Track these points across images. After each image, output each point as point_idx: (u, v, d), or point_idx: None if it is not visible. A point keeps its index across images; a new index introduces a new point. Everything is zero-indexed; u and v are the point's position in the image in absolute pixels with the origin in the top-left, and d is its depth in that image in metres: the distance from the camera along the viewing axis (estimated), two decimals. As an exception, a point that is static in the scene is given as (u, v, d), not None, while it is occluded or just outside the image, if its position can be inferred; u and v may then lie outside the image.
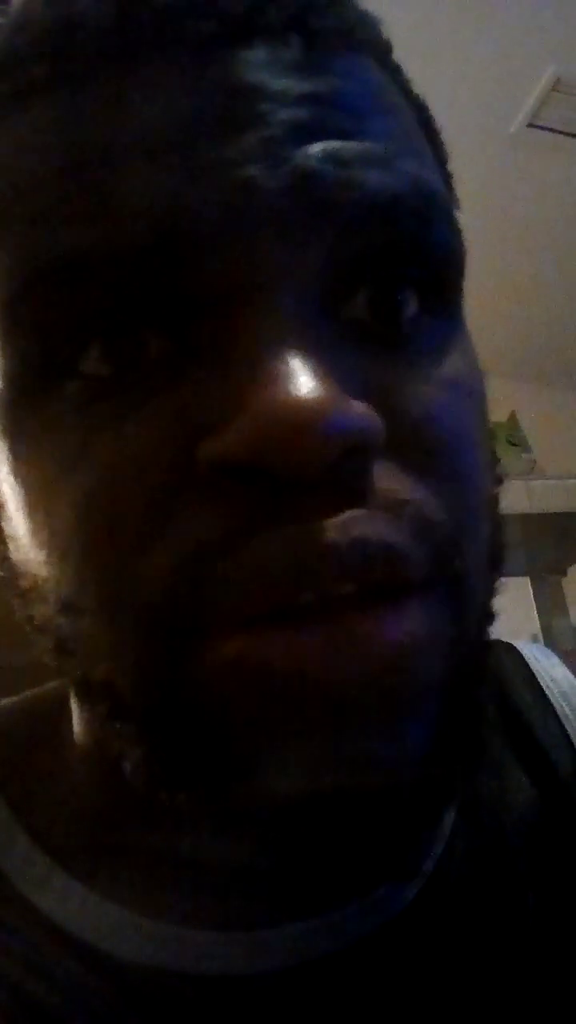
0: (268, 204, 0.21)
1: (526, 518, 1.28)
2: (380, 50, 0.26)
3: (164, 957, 0.27)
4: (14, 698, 0.35)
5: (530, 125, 1.73)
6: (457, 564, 0.22)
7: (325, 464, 0.19)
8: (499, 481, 0.27)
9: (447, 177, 0.28)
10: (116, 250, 0.20)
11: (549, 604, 1.53)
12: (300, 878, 0.27)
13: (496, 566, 0.25)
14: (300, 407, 0.19)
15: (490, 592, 0.25)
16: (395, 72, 0.26)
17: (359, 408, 0.20)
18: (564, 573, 1.58)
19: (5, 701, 0.35)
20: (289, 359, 0.20)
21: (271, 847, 0.22)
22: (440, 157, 0.28)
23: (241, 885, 0.28)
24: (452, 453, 0.23)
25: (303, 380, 0.19)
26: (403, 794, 0.21)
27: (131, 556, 0.21)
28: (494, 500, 0.26)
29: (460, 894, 0.30)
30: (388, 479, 0.21)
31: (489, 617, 0.25)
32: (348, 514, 0.20)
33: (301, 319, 0.21)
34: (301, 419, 0.19)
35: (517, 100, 1.67)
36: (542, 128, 1.74)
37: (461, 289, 0.25)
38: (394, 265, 0.23)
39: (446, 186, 0.27)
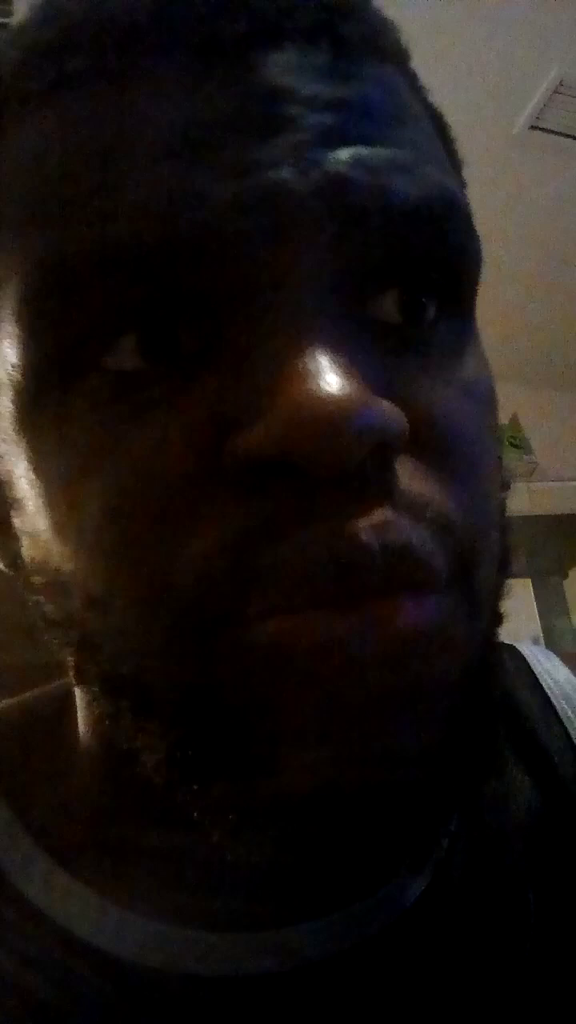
0: (299, 206, 0.21)
1: (527, 520, 1.28)
2: (401, 58, 0.26)
3: (165, 958, 0.27)
4: (14, 698, 0.35)
5: (533, 127, 1.73)
6: (472, 566, 0.23)
7: (354, 460, 0.19)
8: (506, 486, 0.27)
9: (462, 183, 0.28)
10: (147, 246, 0.21)
11: (550, 606, 1.53)
12: (304, 878, 0.27)
13: (504, 569, 0.26)
14: (330, 403, 0.19)
15: (499, 595, 0.25)
16: (413, 80, 0.27)
17: (386, 406, 0.20)
18: (565, 575, 1.58)
19: (6, 701, 0.35)
20: (317, 356, 0.20)
21: (277, 846, 0.22)
22: (455, 164, 0.28)
23: (244, 886, 0.28)
24: (468, 456, 0.23)
25: (332, 376, 0.19)
26: (420, 788, 0.21)
27: (162, 550, 0.21)
28: (502, 505, 0.26)
29: (462, 894, 0.30)
30: (409, 477, 0.21)
31: (498, 619, 0.25)
32: (378, 514, 0.20)
33: (328, 318, 0.21)
34: (331, 415, 0.19)
35: (521, 102, 1.67)
36: (545, 130, 1.74)
37: (476, 292, 0.26)
38: (417, 269, 0.23)
39: (461, 190, 0.27)
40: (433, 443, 0.22)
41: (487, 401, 0.25)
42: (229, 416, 0.21)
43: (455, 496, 0.22)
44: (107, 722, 0.25)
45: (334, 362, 0.20)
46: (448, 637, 0.21)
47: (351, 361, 0.20)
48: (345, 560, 0.20)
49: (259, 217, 0.21)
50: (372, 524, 0.20)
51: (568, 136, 1.78)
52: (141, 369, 0.22)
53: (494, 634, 0.25)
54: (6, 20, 1.26)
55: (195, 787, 0.22)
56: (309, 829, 0.22)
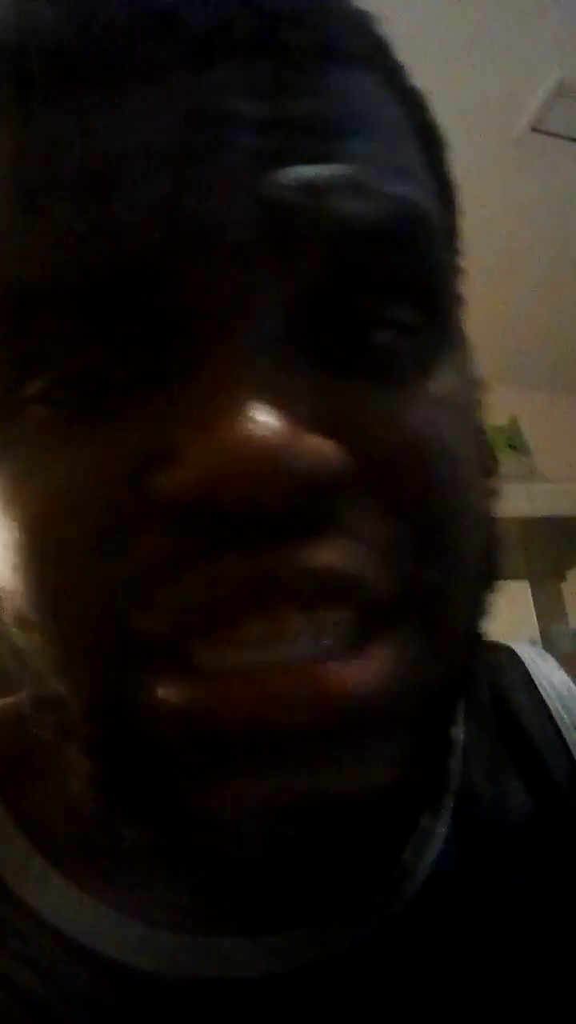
0: (230, 236, 0.20)
1: (526, 522, 1.28)
2: (371, 53, 0.24)
3: (159, 961, 0.27)
4: (10, 698, 0.35)
5: (534, 130, 1.73)
6: (429, 592, 0.22)
7: (279, 502, 0.19)
8: (492, 493, 0.26)
9: (444, 182, 0.27)
10: (73, 282, 0.20)
11: (548, 608, 1.53)
12: (295, 884, 0.27)
13: (488, 582, 0.25)
14: (254, 445, 0.18)
15: (478, 613, 0.25)
16: (389, 72, 0.25)
17: (319, 444, 0.19)
18: (563, 577, 1.58)
19: (3, 700, 0.35)
20: (249, 393, 0.19)
21: (257, 860, 0.22)
22: (436, 160, 0.27)
23: (236, 890, 0.28)
24: (428, 478, 0.22)
25: (258, 415, 0.19)
26: (360, 826, 0.21)
27: (79, 579, 0.21)
28: (485, 515, 0.25)
29: (455, 899, 0.30)
30: (353, 511, 0.21)
31: (475, 638, 0.25)
32: (301, 545, 0.20)
33: (266, 350, 0.20)
34: (254, 458, 0.18)
35: (521, 104, 1.67)
36: (546, 133, 1.74)
37: (451, 303, 0.25)
38: (372, 291, 0.22)
39: (442, 193, 0.26)
40: (386, 471, 0.21)
41: (462, 412, 0.24)
42: (155, 450, 0.20)
43: (411, 522, 0.21)
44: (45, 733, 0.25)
45: (267, 399, 0.19)
46: (398, 681, 0.21)
47: (287, 396, 0.19)
48: (252, 586, 0.19)
49: (189, 249, 0.20)
50: (289, 549, 0.19)
51: (569, 139, 1.78)
52: (68, 399, 0.21)
53: (468, 654, 0.24)
54: None
55: (119, 819, 0.22)
56: (264, 851, 0.22)
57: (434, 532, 0.22)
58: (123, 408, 0.21)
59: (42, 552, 0.21)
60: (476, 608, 0.25)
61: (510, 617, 0.27)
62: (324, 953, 0.28)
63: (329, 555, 0.20)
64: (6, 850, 0.29)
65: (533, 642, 1.46)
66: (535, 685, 0.36)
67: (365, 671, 0.20)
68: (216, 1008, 0.27)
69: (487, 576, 0.25)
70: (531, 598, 1.55)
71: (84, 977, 0.27)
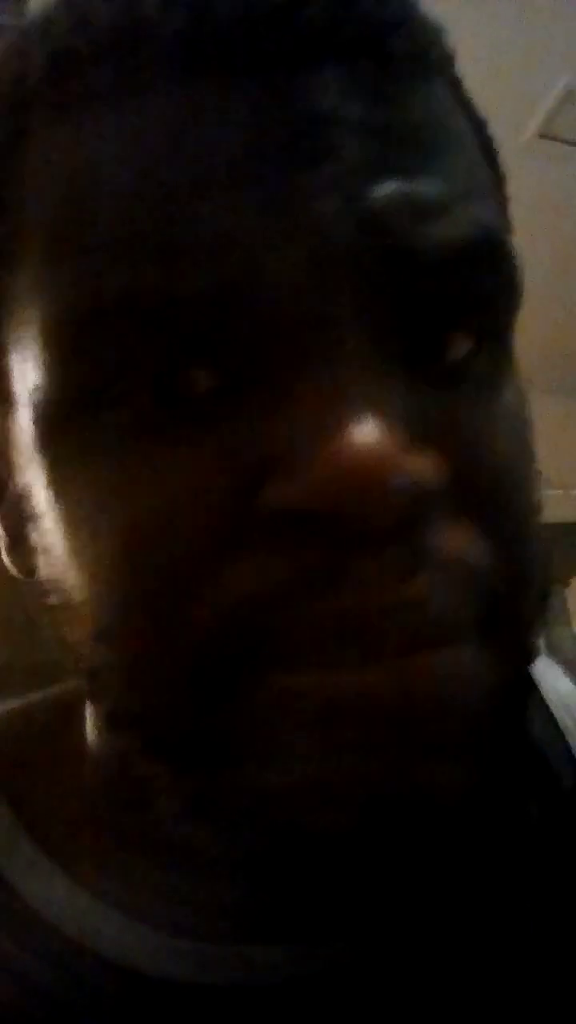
0: (340, 243, 0.20)
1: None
2: (447, 67, 0.25)
3: (166, 966, 0.27)
4: (19, 700, 0.35)
5: (543, 135, 1.73)
6: (506, 615, 0.22)
7: (393, 517, 0.19)
8: (540, 507, 0.26)
9: (504, 201, 0.27)
10: (183, 291, 0.20)
11: (552, 614, 1.53)
12: (308, 895, 0.27)
13: (546, 596, 0.25)
14: (370, 460, 0.19)
15: (537, 631, 0.25)
16: (457, 88, 0.26)
17: (424, 461, 0.20)
18: (567, 583, 1.58)
19: (10, 703, 0.35)
20: (356, 404, 0.19)
21: (284, 871, 0.22)
22: (499, 179, 0.27)
23: (246, 898, 0.28)
24: (507, 496, 0.23)
25: (372, 427, 0.19)
26: (442, 831, 0.22)
27: (182, 596, 0.20)
28: (539, 530, 0.25)
29: (460, 906, 0.30)
30: (444, 528, 0.21)
31: (532, 654, 0.25)
32: (408, 579, 0.20)
33: (367, 362, 0.20)
34: (368, 470, 0.18)
35: (530, 110, 1.67)
36: (555, 138, 1.74)
37: (515, 319, 0.25)
38: (458, 309, 0.22)
39: (502, 210, 0.27)
40: (473, 486, 0.22)
41: (525, 431, 0.25)
42: (260, 463, 0.20)
43: (492, 542, 0.22)
44: (115, 749, 0.25)
45: (374, 412, 0.19)
46: (481, 684, 0.21)
47: (392, 409, 0.20)
48: (367, 626, 0.20)
49: (298, 254, 0.20)
50: (400, 589, 0.20)
51: (577, 145, 1.78)
52: (159, 407, 0.21)
53: (530, 664, 0.25)
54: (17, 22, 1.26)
55: (205, 833, 0.22)
56: (323, 874, 0.22)
57: (512, 548, 0.22)
58: (218, 414, 0.21)
59: (145, 566, 0.21)
60: (539, 622, 0.25)
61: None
62: (328, 960, 0.28)
63: (431, 588, 0.20)
64: (12, 852, 0.29)
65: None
66: (540, 693, 0.36)
67: (454, 666, 0.21)
68: (222, 1015, 0.27)
69: (546, 590, 0.25)
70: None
71: (90, 981, 0.27)
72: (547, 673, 0.37)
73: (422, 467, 0.20)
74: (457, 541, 0.21)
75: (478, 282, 0.22)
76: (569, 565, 1.55)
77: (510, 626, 0.23)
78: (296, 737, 0.20)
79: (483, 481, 0.22)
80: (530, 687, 0.25)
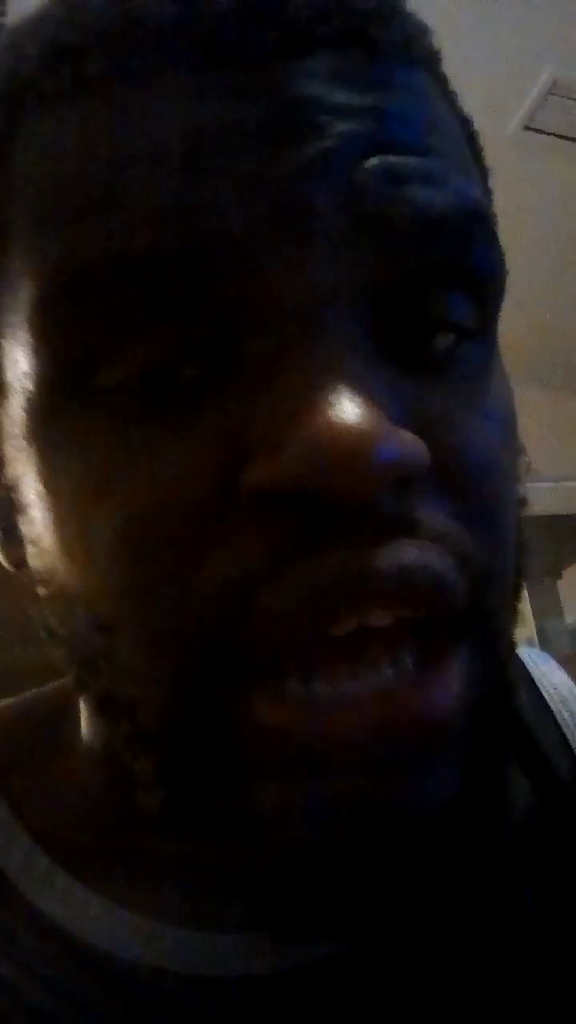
0: (322, 219, 0.20)
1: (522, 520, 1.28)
2: (432, 62, 0.26)
3: (165, 959, 0.27)
4: (15, 698, 0.35)
5: (527, 128, 1.73)
6: (488, 601, 0.22)
7: (375, 493, 0.19)
8: (523, 503, 0.26)
9: (488, 192, 0.28)
10: (161, 255, 0.20)
11: (544, 606, 1.53)
12: (305, 888, 0.27)
13: (519, 590, 0.25)
14: (352, 435, 0.19)
15: (513, 623, 0.25)
16: (443, 84, 0.26)
17: (407, 437, 0.20)
18: (559, 575, 1.58)
19: (6, 701, 0.35)
20: (336, 384, 0.19)
21: (317, 875, 0.23)
22: (483, 171, 0.28)
23: (243, 890, 0.28)
24: (487, 485, 0.23)
25: (351, 407, 0.19)
26: (424, 837, 0.21)
27: (173, 581, 0.21)
28: (519, 522, 0.25)
29: (459, 898, 0.30)
30: (428, 508, 0.21)
31: (512, 648, 0.25)
32: (395, 541, 0.20)
33: (349, 342, 0.20)
34: (354, 447, 0.18)
35: (514, 103, 1.67)
36: (539, 131, 1.74)
37: (499, 308, 0.25)
38: (440, 284, 0.22)
39: (488, 201, 0.27)
40: (453, 472, 0.22)
41: (508, 423, 0.25)
42: (246, 443, 0.20)
43: (473, 527, 0.22)
44: (104, 738, 0.25)
45: (356, 390, 0.19)
46: (467, 695, 0.21)
47: (373, 389, 0.20)
48: (350, 585, 0.19)
49: (279, 228, 0.20)
50: (385, 549, 0.20)
51: (562, 137, 1.78)
52: (145, 392, 0.21)
53: (509, 661, 0.25)
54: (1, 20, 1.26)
55: (185, 831, 0.22)
56: (298, 883, 0.22)
57: (490, 537, 0.22)
58: (204, 399, 0.21)
59: (136, 552, 0.21)
60: (513, 617, 0.25)
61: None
62: (329, 950, 0.28)
63: (419, 552, 0.20)
64: (11, 850, 0.29)
65: (530, 639, 1.47)
66: (536, 686, 0.36)
67: (440, 694, 0.21)
68: (224, 1006, 0.27)
69: (518, 585, 0.25)
70: (528, 596, 1.55)
71: (89, 976, 0.27)
72: (542, 666, 0.37)
73: (403, 443, 0.19)
74: (443, 518, 0.21)
75: (461, 250, 0.22)
76: (562, 557, 1.55)
77: (494, 616, 0.23)
78: (279, 758, 0.20)
79: (463, 470, 0.22)
80: (508, 682, 0.25)
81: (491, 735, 0.23)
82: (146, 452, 0.21)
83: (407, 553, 0.20)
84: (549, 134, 1.77)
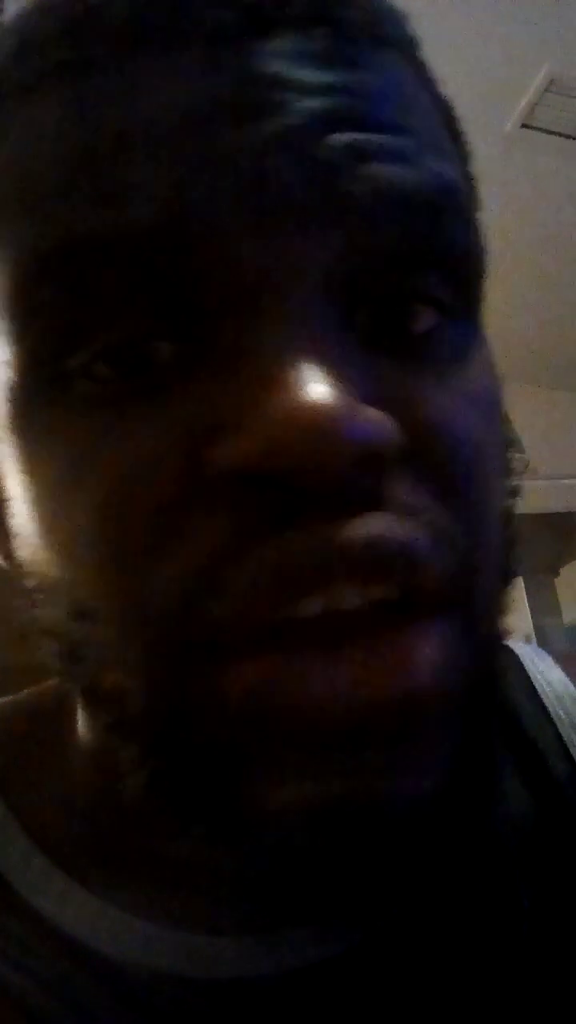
0: (285, 196, 0.20)
1: (519, 518, 1.28)
2: (406, 45, 0.25)
3: (163, 961, 0.27)
4: (12, 697, 0.35)
5: (524, 125, 1.73)
6: (471, 582, 0.22)
7: (340, 471, 0.19)
8: (513, 493, 0.26)
9: (469, 178, 0.27)
10: (125, 235, 0.20)
11: (542, 604, 1.53)
12: (300, 886, 0.27)
13: (508, 581, 0.25)
14: (315, 413, 0.18)
15: (501, 610, 0.24)
16: (420, 69, 0.26)
17: (374, 415, 0.19)
18: (557, 573, 1.59)
19: (3, 700, 0.35)
20: (303, 363, 0.19)
21: (274, 862, 0.22)
22: (463, 155, 0.27)
23: (241, 890, 0.28)
24: (467, 467, 0.22)
25: (318, 386, 0.19)
26: (412, 828, 0.21)
27: (144, 565, 0.20)
28: (508, 513, 0.25)
29: (456, 896, 0.30)
30: (403, 488, 0.20)
31: (500, 635, 0.25)
32: (365, 516, 0.19)
33: (316, 321, 0.20)
34: (315, 425, 0.18)
35: (512, 100, 1.67)
36: (537, 128, 1.74)
37: (480, 292, 0.25)
38: (411, 264, 0.22)
39: (467, 185, 0.26)
40: (430, 453, 0.21)
41: (491, 409, 0.24)
42: (211, 424, 0.20)
43: (453, 507, 0.21)
44: (92, 728, 0.25)
45: (322, 369, 0.19)
46: (448, 667, 0.21)
47: (340, 368, 0.19)
48: (318, 561, 0.19)
49: (242, 207, 0.20)
50: (353, 523, 0.19)
51: (559, 135, 1.78)
52: (117, 377, 0.21)
53: (496, 651, 0.24)
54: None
55: (173, 817, 0.22)
56: (294, 862, 0.22)
57: (472, 520, 0.22)
58: (174, 381, 0.21)
59: (102, 539, 0.21)
60: (500, 604, 0.25)
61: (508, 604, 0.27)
62: (328, 952, 0.28)
63: (387, 525, 0.20)
64: (8, 850, 0.29)
65: (527, 637, 1.47)
66: (532, 683, 0.36)
67: (422, 653, 0.20)
68: (221, 1008, 0.27)
69: (507, 573, 0.25)
70: (525, 593, 1.56)
71: (87, 978, 0.27)
72: (540, 665, 0.37)
73: (374, 420, 0.19)
74: (420, 497, 0.21)
75: (434, 230, 0.22)
76: (559, 555, 1.56)
77: (480, 599, 0.22)
78: (253, 741, 0.20)
79: (441, 450, 0.22)
80: (496, 671, 0.24)
81: (479, 726, 0.23)
82: (117, 437, 0.21)
83: (375, 525, 0.19)
84: (547, 131, 1.77)
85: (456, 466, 0.22)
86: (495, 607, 0.24)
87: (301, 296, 0.20)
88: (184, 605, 0.20)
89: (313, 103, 0.21)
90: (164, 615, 0.20)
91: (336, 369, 0.19)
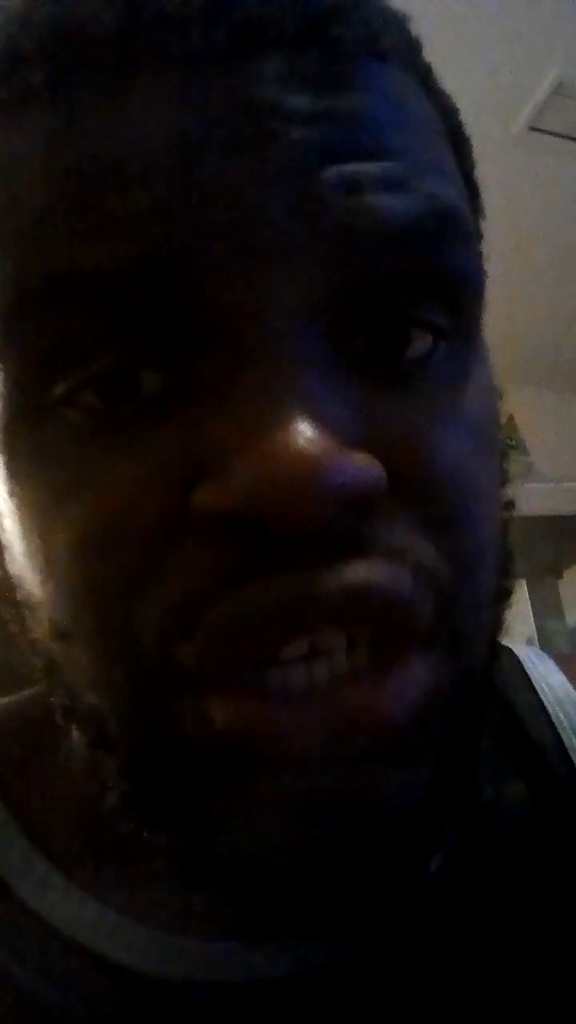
0: (274, 232, 0.19)
1: (522, 520, 1.28)
2: (407, 52, 0.24)
3: (161, 963, 0.27)
4: (12, 697, 0.35)
5: (532, 128, 1.73)
6: (457, 618, 0.22)
7: (322, 518, 0.18)
8: (509, 506, 0.26)
9: (473, 187, 0.27)
10: (111, 271, 0.20)
11: (544, 606, 1.53)
12: (306, 893, 0.27)
13: (504, 598, 0.25)
14: (296, 460, 0.18)
15: (495, 629, 0.24)
16: (424, 73, 0.25)
17: (360, 460, 0.19)
18: (560, 575, 1.58)
19: (3, 700, 0.35)
20: (287, 404, 0.19)
21: (281, 871, 0.22)
22: (465, 165, 0.27)
23: (238, 895, 0.28)
24: (456, 502, 0.22)
25: (302, 429, 0.18)
26: (390, 849, 0.21)
27: (125, 598, 0.20)
28: (502, 531, 0.25)
29: (457, 902, 0.30)
30: (389, 527, 0.20)
31: (493, 655, 0.25)
32: (344, 561, 0.19)
33: (304, 359, 0.20)
34: (301, 474, 0.18)
35: (519, 103, 1.66)
36: (545, 131, 1.74)
37: (480, 312, 0.24)
38: (407, 294, 0.21)
39: (471, 196, 0.26)
40: (419, 490, 0.21)
41: (485, 433, 0.24)
42: (195, 464, 0.20)
43: (442, 544, 0.21)
44: (75, 740, 0.25)
45: (308, 411, 0.19)
46: (431, 703, 0.21)
47: (326, 408, 0.19)
48: (296, 608, 0.19)
49: (229, 244, 0.19)
50: (333, 569, 0.19)
51: (567, 138, 1.78)
52: (104, 408, 0.21)
53: (487, 675, 0.24)
54: None
55: (150, 832, 0.23)
56: (269, 887, 0.22)
57: (461, 553, 0.22)
58: (159, 414, 0.21)
59: (83, 569, 0.21)
60: (496, 623, 0.25)
61: (506, 615, 0.27)
62: (330, 956, 0.28)
63: (368, 571, 0.20)
64: (7, 852, 0.29)
65: (530, 639, 1.47)
66: (534, 687, 0.36)
67: (401, 695, 0.20)
68: (218, 1011, 0.27)
69: (504, 590, 0.25)
70: (528, 596, 1.55)
71: (85, 978, 0.27)
72: (541, 668, 0.37)
73: (354, 468, 0.19)
74: (404, 535, 0.21)
75: (431, 260, 0.21)
76: (562, 557, 1.55)
77: (465, 632, 0.22)
78: (230, 775, 0.20)
79: (428, 484, 0.21)
80: (485, 696, 0.24)
81: (466, 739, 0.23)
82: (103, 467, 0.21)
83: (354, 573, 0.19)
84: (555, 135, 1.76)
85: (445, 503, 0.22)
86: (484, 633, 0.24)
87: (287, 333, 0.20)
88: (159, 643, 0.20)
89: (304, 133, 0.20)
90: (139, 651, 0.20)
91: (323, 408, 0.19)
